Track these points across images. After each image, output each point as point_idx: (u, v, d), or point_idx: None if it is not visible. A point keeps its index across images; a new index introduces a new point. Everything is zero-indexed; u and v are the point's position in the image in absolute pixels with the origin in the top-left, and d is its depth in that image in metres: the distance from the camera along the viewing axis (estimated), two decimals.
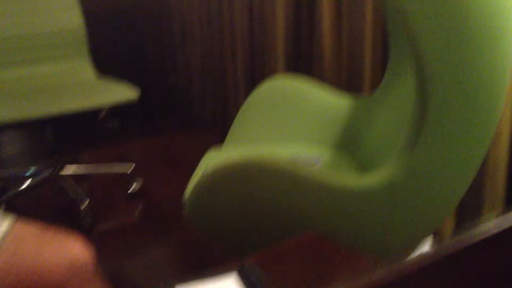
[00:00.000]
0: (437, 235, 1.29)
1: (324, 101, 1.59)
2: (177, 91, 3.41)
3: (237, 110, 2.69)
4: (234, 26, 2.59)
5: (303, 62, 2.25)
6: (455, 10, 0.85)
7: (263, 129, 1.60)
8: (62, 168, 2.22)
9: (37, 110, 1.83)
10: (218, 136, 2.83)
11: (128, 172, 2.32)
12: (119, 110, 2.09)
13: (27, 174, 2.23)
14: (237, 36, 2.58)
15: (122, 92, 1.99)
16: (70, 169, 2.27)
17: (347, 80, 2.00)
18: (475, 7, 0.86)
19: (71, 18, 2.27)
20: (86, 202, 2.01)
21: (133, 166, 2.35)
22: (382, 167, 1.05)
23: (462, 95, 0.92)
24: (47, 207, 2.18)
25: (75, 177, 2.28)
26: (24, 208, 2.15)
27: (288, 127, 1.59)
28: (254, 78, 2.58)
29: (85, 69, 2.28)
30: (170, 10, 3.23)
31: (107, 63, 2.53)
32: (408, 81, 1.36)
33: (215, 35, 2.79)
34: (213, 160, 1.44)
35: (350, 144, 1.51)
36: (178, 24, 3.20)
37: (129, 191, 2.25)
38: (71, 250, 0.75)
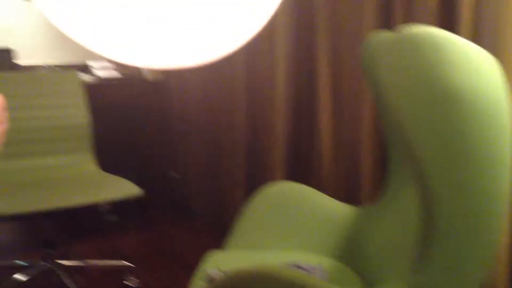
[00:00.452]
0: None
1: (325, 209, 1.61)
2: (175, 185, 3.43)
3: (234, 208, 2.72)
4: (234, 126, 2.66)
5: (301, 169, 2.30)
6: (458, 134, 0.89)
7: (264, 235, 1.61)
8: (58, 259, 2.20)
9: (39, 204, 1.84)
10: (214, 231, 2.82)
11: (124, 266, 2.30)
12: (118, 204, 2.10)
13: (23, 264, 2.21)
14: (237, 136, 2.65)
15: (124, 189, 2.02)
16: (66, 261, 2.25)
17: (346, 189, 2.04)
18: (478, 132, 0.91)
19: (78, 114, 2.34)
20: None
21: (129, 259, 2.33)
22: (386, 285, 1.05)
23: (468, 215, 0.94)
24: None
25: (70, 269, 2.25)
26: None
27: (288, 234, 1.60)
28: (253, 179, 2.61)
29: (88, 163, 2.32)
30: (171, 107, 3.33)
31: (108, 157, 2.58)
32: (410, 192, 1.38)
33: (215, 133, 2.87)
34: (214, 265, 1.43)
35: (350, 255, 1.51)
36: (178, 121, 3.29)
37: (124, 285, 2.21)
38: None
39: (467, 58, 0.94)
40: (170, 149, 3.44)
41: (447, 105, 0.87)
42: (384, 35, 1.24)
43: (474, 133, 0.87)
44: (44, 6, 0.48)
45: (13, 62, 2.94)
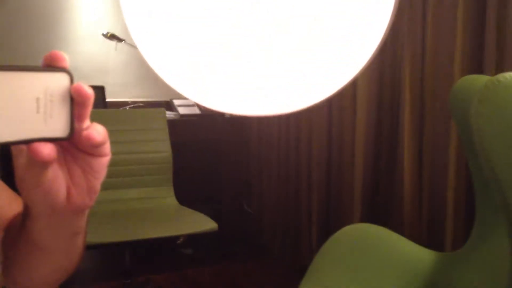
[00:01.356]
0: None
1: (406, 254, 1.56)
2: (250, 221, 3.45)
3: (308, 246, 2.68)
4: (312, 164, 2.65)
5: (381, 211, 2.25)
6: None
7: (341, 279, 1.58)
8: None
9: (122, 235, 1.92)
10: (287, 269, 2.80)
11: None
12: (194, 237, 2.14)
13: None
14: (314, 175, 2.64)
15: (201, 223, 2.06)
16: None
17: (428, 233, 1.97)
18: None
19: (162, 149, 2.44)
20: None
21: None
22: None
23: None
24: None
25: None
26: None
27: (366, 279, 1.56)
28: (328, 220, 2.58)
29: (169, 196, 2.39)
30: (249, 143, 3.38)
31: (185, 191, 2.64)
32: (499, 241, 1.31)
33: (292, 169, 2.87)
34: None
35: None
36: (256, 156, 3.33)
37: None
38: None
39: None
40: (246, 184, 3.47)
41: None
42: (476, 80, 1.21)
43: None
44: (148, 54, 0.51)
45: (105, 99, 3.11)
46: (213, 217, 2.12)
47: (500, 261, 1.23)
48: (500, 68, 1.62)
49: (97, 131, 0.43)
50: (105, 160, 0.47)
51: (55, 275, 0.63)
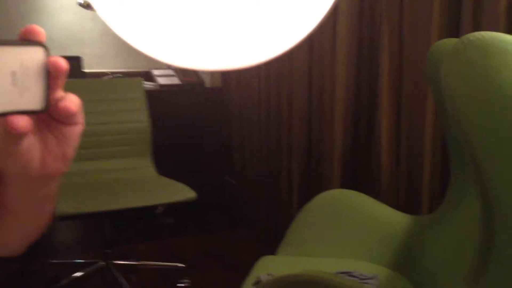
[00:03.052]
0: None
1: (381, 218, 1.58)
2: (232, 191, 3.46)
3: (289, 215, 2.70)
4: (292, 134, 2.66)
5: (360, 177, 2.27)
6: None
7: (318, 242, 1.60)
8: (114, 259, 2.27)
9: (99, 205, 1.91)
10: (269, 237, 2.82)
11: (178, 268, 2.34)
12: (174, 207, 2.15)
13: (80, 263, 2.29)
14: (294, 143, 2.64)
15: (181, 192, 2.06)
16: (122, 261, 2.32)
17: (405, 198, 1.99)
18: None
19: (140, 120, 2.41)
20: None
21: (184, 262, 2.38)
22: None
23: None
24: None
25: (126, 269, 2.31)
26: None
27: (343, 242, 1.58)
28: (309, 188, 2.60)
29: (147, 167, 2.38)
30: (230, 113, 3.37)
31: (166, 161, 2.63)
32: (470, 203, 1.33)
33: (273, 140, 2.87)
34: (265, 270, 1.43)
35: (406, 265, 1.47)
36: (236, 127, 3.32)
37: (178, 287, 2.26)
38: None
39: None
40: (227, 154, 3.47)
41: None
42: (450, 43, 1.21)
43: None
44: (105, 14, 0.49)
45: (81, 70, 3.06)
46: (195, 188, 2.12)
47: (469, 224, 1.25)
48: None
49: (72, 102, 0.45)
50: (79, 128, 0.48)
51: (24, 240, 0.63)
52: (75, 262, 2.37)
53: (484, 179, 0.85)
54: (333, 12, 2.26)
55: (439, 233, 1.40)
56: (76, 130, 0.48)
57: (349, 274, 1.45)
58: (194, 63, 0.52)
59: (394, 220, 1.57)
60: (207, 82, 3.57)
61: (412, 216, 1.59)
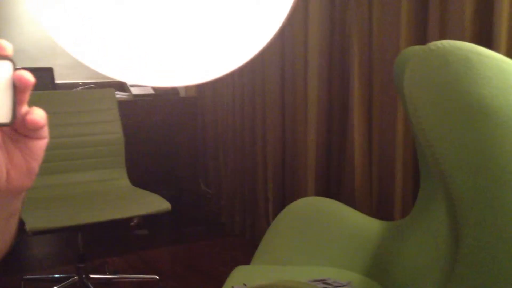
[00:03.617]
0: None
1: (354, 225, 1.59)
2: (208, 200, 3.45)
3: (265, 223, 2.70)
4: (267, 142, 2.66)
5: (334, 184, 2.28)
6: (487, 151, 0.87)
7: (292, 250, 1.60)
8: (90, 273, 2.24)
9: (72, 219, 1.88)
10: (246, 247, 2.81)
11: (155, 280, 2.32)
12: (149, 218, 2.13)
13: (54, 278, 2.26)
14: (269, 153, 2.65)
15: (155, 204, 2.04)
16: (98, 275, 2.30)
17: (377, 204, 2.01)
18: (509, 149, 0.88)
19: (113, 131, 2.39)
20: None
21: (160, 273, 2.36)
22: None
23: (495, 229, 0.91)
24: None
25: (102, 283, 2.28)
26: None
27: (317, 250, 1.58)
28: (284, 196, 2.60)
29: (121, 178, 2.36)
30: (204, 122, 3.36)
31: (141, 172, 2.62)
32: (441, 206, 1.35)
33: (248, 149, 2.87)
34: (240, 280, 1.42)
35: (379, 271, 1.48)
36: (211, 136, 3.31)
37: None
38: None
39: (501, 73, 0.91)
40: (203, 164, 3.46)
41: (477, 121, 0.84)
42: (416, 50, 1.23)
43: (504, 150, 0.84)
44: (52, 28, 0.49)
45: (53, 81, 3.02)
46: (170, 198, 2.11)
47: (439, 228, 1.27)
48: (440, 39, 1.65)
49: (39, 115, 0.45)
50: (44, 142, 0.49)
51: None
52: (48, 277, 2.33)
53: (448, 186, 0.86)
54: (304, 23, 2.28)
55: (409, 239, 1.41)
56: (41, 144, 0.48)
57: (323, 281, 1.45)
58: (154, 81, 0.52)
59: (367, 226, 1.58)
60: (182, 92, 3.56)
61: (385, 222, 1.60)
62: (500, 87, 0.88)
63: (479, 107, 0.85)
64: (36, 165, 0.48)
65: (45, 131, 0.48)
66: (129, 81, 0.51)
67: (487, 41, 1.53)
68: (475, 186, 0.85)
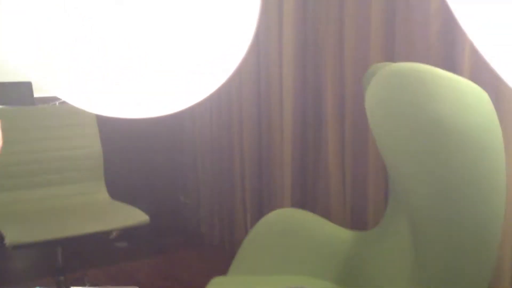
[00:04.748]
0: None
1: (326, 235, 1.64)
2: (187, 212, 3.48)
3: (244, 234, 2.74)
4: (243, 153, 2.71)
5: (309, 196, 2.34)
6: (442, 165, 0.93)
7: (267, 260, 1.64)
8: (70, 285, 2.25)
9: (52, 233, 1.90)
10: (225, 257, 2.85)
11: None
12: (129, 230, 2.16)
13: None
14: (246, 163, 2.70)
15: (134, 217, 2.07)
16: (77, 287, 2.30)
17: (351, 214, 2.07)
18: (463, 162, 0.94)
19: (90, 145, 2.42)
20: None
21: (141, 285, 2.38)
22: None
23: (453, 242, 0.97)
24: None
25: None
26: None
27: (291, 259, 1.63)
28: (262, 207, 2.65)
29: (99, 192, 2.38)
30: (182, 135, 3.39)
31: (119, 186, 2.64)
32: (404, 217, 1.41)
33: (225, 160, 2.92)
34: None
35: (352, 278, 1.53)
36: (190, 148, 3.35)
37: None
38: None
39: (454, 91, 0.98)
40: (181, 176, 3.49)
41: (432, 136, 0.91)
42: (379, 68, 1.29)
43: (457, 159, 0.91)
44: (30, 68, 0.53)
45: (32, 95, 3.03)
46: (149, 210, 2.14)
47: (405, 236, 1.33)
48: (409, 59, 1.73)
49: None
50: None
51: None
52: None
53: (406, 194, 0.92)
54: (279, 41, 2.34)
55: (379, 247, 1.47)
56: None
57: None
58: (120, 112, 0.57)
59: (339, 236, 1.64)
60: None
61: (356, 232, 1.66)
62: (453, 103, 0.94)
63: (434, 122, 0.92)
64: None
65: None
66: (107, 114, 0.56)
67: (451, 59, 1.61)
68: (430, 192, 0.92)
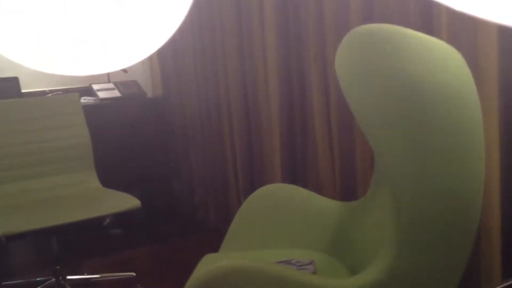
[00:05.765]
0: None
1: (315, 207, 1.66)
2: (181, 198, 3.49)
3: None
4: (234, 137, 2.72)
5: (300, 173, 2.35)
6: (415, 124, 0.94)
7: (258, 235, 1.66)
8: (66, 276, 2.27)
9: (45, 221, 1.91)
10: (220, 240, 2.87)
11: (132, 278, 2.36)
12: (123, 218, 2.17)
13: (32, 282, 2.28)
14: (237, 147, 2.71)
15: (125, 202, 2.08)
16: (75, 276, 2.32)
17: (342, 188, 2.08)
18: (435, 122, 0.95)
19: (79, 135, 2.42)
20: None
21: (137, 271, 2.39)
22: (366, 271, 1.09)
23: (431, 204, 0.98)
24: None
25: (80, 284, 2.31)
26: None
27: (282, 233, 1.65)
28: (256, 186, 2.66)
29: (91, 181, 2.39)
30: (173, 122, 3.40)
31: (113, 175, 2.65)
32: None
33: (216, 144, 2.93)
34: (205, 268, 1.48)
35: (340, 248, 1.55)
36: (181, 135, 3.36)
37: None
38: None
39: (425, 49, 0.99)
40: (174, 162, 3.50)
41: (403, 95, 0.91)
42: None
43: (432, 122, 0.91)
44: None
45: (20, 90, 3.04)
46: (144, 198, 2.15)
47: (388, 207, 1.34)
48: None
49: None
50: None
51: None
52: (26, 281, 2.36)
53: (382, 158, 0.93)
54: (263, 48, 2.34)
55: (365, 216, 1.49)
56: None
57: (287, 262, 1.52)
58: (65, 69, 0.57)
59: (328, 208, 1.65)
60: (149, 93, 3.60)
61: (345, 203, 1.67)
62: (423, 62, 0.95)
63: (404, 81, 0.93)
64: None
65: None
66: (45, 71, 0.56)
67: (429, 23, 1.61)
68: (404, 155, 0.93)
